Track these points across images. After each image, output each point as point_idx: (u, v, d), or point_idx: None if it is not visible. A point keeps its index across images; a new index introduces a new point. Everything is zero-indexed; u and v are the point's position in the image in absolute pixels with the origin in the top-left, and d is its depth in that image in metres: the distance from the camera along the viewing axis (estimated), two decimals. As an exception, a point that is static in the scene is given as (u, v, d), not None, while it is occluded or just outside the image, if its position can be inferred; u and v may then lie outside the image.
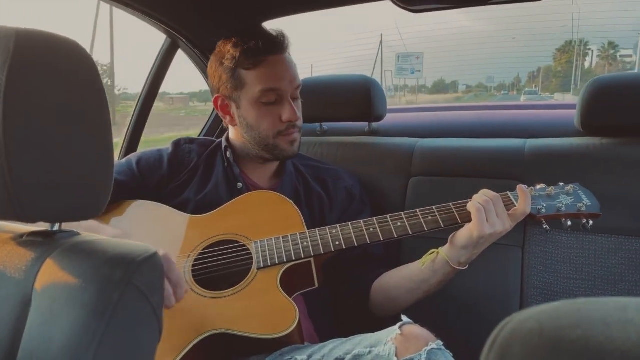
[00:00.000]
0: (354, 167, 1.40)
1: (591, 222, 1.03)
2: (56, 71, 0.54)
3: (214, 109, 1.70)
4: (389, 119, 1.61)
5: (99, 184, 0.58)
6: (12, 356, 0.49)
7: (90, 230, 0.88)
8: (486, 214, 0.97)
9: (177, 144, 1.26)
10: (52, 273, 0.51)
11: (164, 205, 1.15)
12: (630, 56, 29.29)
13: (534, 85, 32.36)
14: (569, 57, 29.82)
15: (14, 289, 0.52)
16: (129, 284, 0.49)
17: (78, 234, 0.60)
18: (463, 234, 1.00)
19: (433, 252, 1.05)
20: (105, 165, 0.59)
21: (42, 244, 0.56)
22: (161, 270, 0.55)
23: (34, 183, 0.52)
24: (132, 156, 1.23)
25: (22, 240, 0.58)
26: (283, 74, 1.16)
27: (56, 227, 0.59)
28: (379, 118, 1.54)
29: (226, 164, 1.23)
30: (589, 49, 29.04)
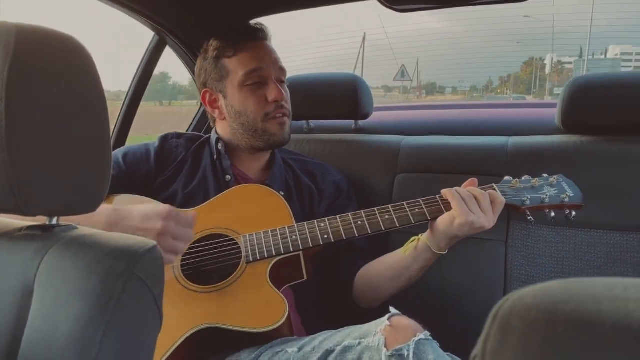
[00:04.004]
0: (341, 164, 1.42)
1: (574, 213, 1.06)
2: (56, 66, 0.55)
3: (200, 106, 1.70)
4: (375, 117, 1.63)
5: (97, 177, 0.59)
6: (14, 346, 0.50)
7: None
8: (466, 202, 0.99)
9: (165, 138, 1.27)
10: (54, 265, 0.52)
11: (152, 199, 1.15)
12: (571, 63, 36.49)
13: (505, 89, 40.13)
14: (532, 70, 39.50)
15: (14, 281, 0.53)
16: (132, 274, 0.51)
17: (76, 227, 0.61)
18: (444, 220, 1.02)
19: (414, 240, 1.08)
20: (103, 159, 0.60)
21: (41, 237, 0.57)
22: (161, 262, 0.56)
23: (36, 177, 0.53)
24: (118, 151, 1.23)
25: (20, 234, 0.58)
26: (264, 56, 1.20)
27: (54, 221, 0.60)
28: (365, 116, 1.56)
29: (215, 156, 1.24)
30: (545, 63, 39.01)
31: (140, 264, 0.52)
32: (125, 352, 0.49)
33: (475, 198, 1.00)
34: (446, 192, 1.03)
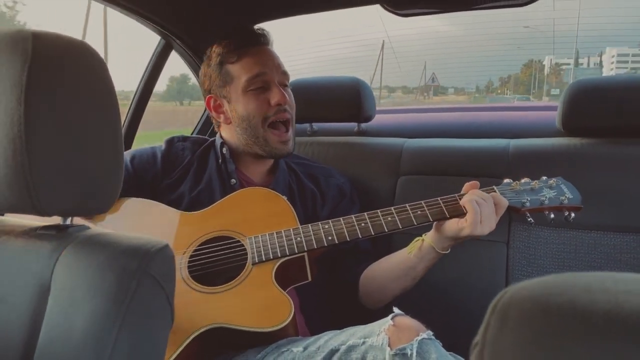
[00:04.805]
0: (343, 167, 1.44)
1: (573, 215, 1.07)
2: (71, 72, 0.57)
3: (205, 110, 1.72)
4: (377, 119, 1.65)
5: (110, 179, 0.61)
6: (32, 343, 0.52)
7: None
8: (481, 217, 1.00)
9: (171, 141, 1.29)
10: (70, 263, 0.54)
11: (158, 203, 1.17)
12: (569, 64, 37.96)
13: (505, 90, 42.09)
14: (531, 71, 41.56)
15: (31, 279, 0.55)
16: (145, 273, 0.52)
17: (89, 227, 0.63)
18: (451, 227, 1.03)
19: (418, 240, 1.09)
20: (115, 161, 0.62)
21: (56, 237, 0.59)
22: (173, 261, 0.58)
23: (52, 178, 0.54)
24: (126, 154, 1.25)
25: (36, 233, 0.60)
26: (266, 60, 1.22)
27: (68, 221, 0.62)
28: (368, 119, 1.58)
29: (220, 160, 1.25)
30: (544, 65, 40.80)
31: (153, 263, 0.54)
32: (139, 347, 0.51)
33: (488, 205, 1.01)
34: (467, 203, 1.01)
